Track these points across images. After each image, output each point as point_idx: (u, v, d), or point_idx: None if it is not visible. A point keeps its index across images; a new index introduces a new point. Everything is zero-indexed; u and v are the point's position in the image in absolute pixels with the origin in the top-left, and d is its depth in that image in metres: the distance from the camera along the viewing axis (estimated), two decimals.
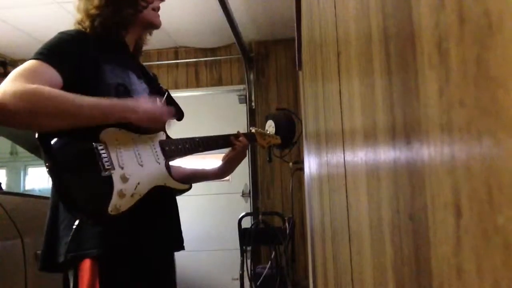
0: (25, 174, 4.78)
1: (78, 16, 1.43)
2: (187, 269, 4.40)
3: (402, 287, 0.36)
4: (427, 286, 0.29)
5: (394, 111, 0.36)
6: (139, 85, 1.46)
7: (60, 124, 1.20)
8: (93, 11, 1.40)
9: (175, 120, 1.57)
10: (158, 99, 1.43)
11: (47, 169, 1.23)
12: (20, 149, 4.35)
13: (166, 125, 1.49)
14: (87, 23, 1.40)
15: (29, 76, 1.19)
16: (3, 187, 2.82)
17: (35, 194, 4.27)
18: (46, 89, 1.17)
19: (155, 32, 1.57)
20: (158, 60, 4.76)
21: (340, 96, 0.73)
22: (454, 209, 0.24)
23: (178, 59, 4.80)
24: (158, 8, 1.51)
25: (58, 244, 1.27)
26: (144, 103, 1.33)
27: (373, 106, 0.44)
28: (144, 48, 1.61)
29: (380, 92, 0.41)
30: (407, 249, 0.33)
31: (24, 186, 4.77)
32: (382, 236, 0.42)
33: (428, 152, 0.28)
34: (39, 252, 1.97)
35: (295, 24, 2.54)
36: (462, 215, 0.22)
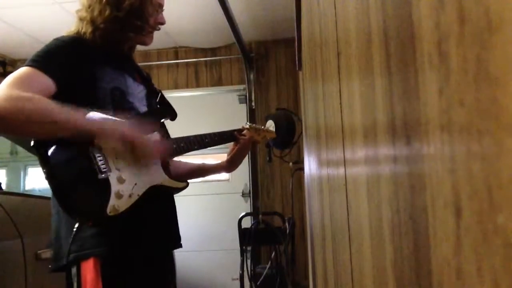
0: (25, 174, 4.78)
1: (83, 13, 1.41)
2: (187, 269, 4.40)
3: (402, 287, 0.36)
4: (427, 286, 0.29)
5: (394, 111, 0.36)
6: (136, 88, 1.47)
7: (48, 133, 1.20)
8: (99, 22, 1.38)
9: (169, 120, 1.58)
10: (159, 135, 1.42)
11: (45, 175, 1.24)
12: (20, 149, 4.35)
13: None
14: (89, 29, 1.39)
15: (22, 83, 1.19)
16: (3, 187, 2.82)
17: (35, 194, 4.27)
18: (38, 98, 1.17)
19: (155, 32, 1.57)
20: (158, 60, 4.76)
21: (340, 96, 0.73)
22: (454, 209, 0.24)
23: (178, 59, 4.80)
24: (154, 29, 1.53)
25: (62, 246, 1.29)
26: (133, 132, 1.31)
27: (373, 106, 0.44)
28: (144, 48, 1.61)
29: (380, 92, 0.41)
30: (407, 249, 0.33)
31: (24, 186, 4.77)
32: (382, 236, 0.42)
33: (428, 151, 0.28)
34: (39, 252, 1.98)
35: (295, 24, 2.54)
36: (462, 215, 0.22)
